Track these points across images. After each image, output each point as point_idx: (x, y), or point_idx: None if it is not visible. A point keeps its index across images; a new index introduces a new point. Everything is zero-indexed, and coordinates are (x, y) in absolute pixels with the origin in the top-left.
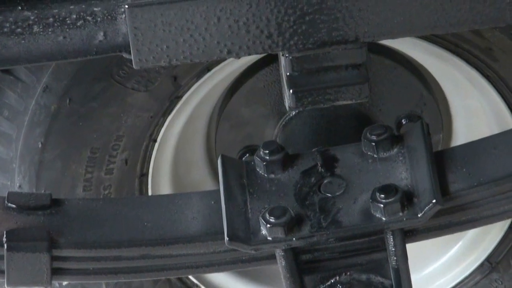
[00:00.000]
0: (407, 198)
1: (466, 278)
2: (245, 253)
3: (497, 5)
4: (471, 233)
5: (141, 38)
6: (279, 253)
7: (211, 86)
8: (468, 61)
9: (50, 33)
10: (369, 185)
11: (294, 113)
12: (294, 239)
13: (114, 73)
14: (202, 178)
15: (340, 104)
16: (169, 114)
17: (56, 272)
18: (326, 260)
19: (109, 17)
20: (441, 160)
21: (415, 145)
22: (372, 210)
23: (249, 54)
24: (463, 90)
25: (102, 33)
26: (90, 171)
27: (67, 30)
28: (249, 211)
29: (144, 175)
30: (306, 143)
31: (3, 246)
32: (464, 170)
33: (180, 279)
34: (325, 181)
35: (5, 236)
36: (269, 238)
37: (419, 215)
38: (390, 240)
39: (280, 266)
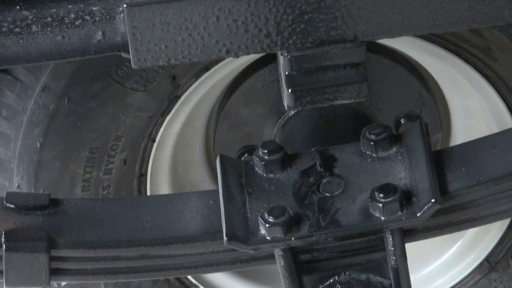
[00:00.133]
0: (406, 198)
1: (465, 278)
2: (244, 253)
3: (495, 4)
4: (470, 232)
5: (139, 37)
6: (278, 252)
7: (210, 86)
8: (467, 61)
9: (48, 32)
10: (368, 185)
11: (293, 112)
12: (293, 238)
13: (112, 73)
14: (201, 178)
15: (338, 104)
16: (168, 114)
17: (55, 273)
18: (325, 259)
19: (107, 16)
20: (440, 160)
21: (414, 144)
22: (371, 210)
23: (248, 54)
24: (462, 89)
25: (100, 33)
26: (89, 171)
27: (66, 29)
28: (248, 211)
29: (143, 175)
30: (305, 142)
31: (1, 246)
32: (463, 169)
33: (179, 279)
34: (324, 181)
35: (3, 236)
36: (268, 238)
37: (418, 215)
38: (389, 239)
39: (279, 266)
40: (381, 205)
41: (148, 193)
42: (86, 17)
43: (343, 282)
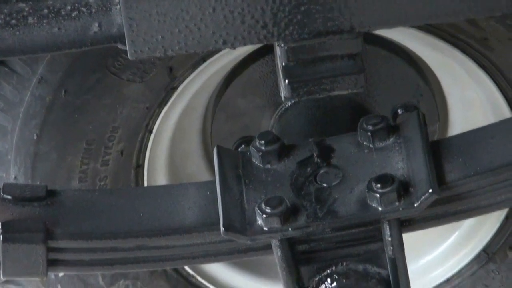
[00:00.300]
0: (404, 188)
1: (463, 268)
2: (241, 244)
3: None
4: (467, 223)
5: (136, 29)
6: (275, 243)
7: (207, 77)
8: (464, 51)
9: (44, 24)
10: (365, 175)
11: (290, 103)
12: (290, 229)
13: (109, 64)
14: (198, 169)
15: (336, 94)
16: (165, 105)
17: (52, 263)
18: (322, 250)
19: (103, 8)
20: (438, 150)
21: (411, 135)
22: (368, 200)
23: (245, 45)
24: (459, 80)
25: (97, 24)
26: (86, 162)
27: (62, 21)
28: (245, 201)
29: (140, 166)
30: (302, 133)
31: None
32: (461, 159)
33: (176, 270)
34: (321, 171)
35: (0, 227)
36: (265, 229)
37: (415, 205)
38: (387, 230)
39: (276, 257)
40: (378, 195)
41: (145, 184)
42: (82, 8)
43: (341, 272)
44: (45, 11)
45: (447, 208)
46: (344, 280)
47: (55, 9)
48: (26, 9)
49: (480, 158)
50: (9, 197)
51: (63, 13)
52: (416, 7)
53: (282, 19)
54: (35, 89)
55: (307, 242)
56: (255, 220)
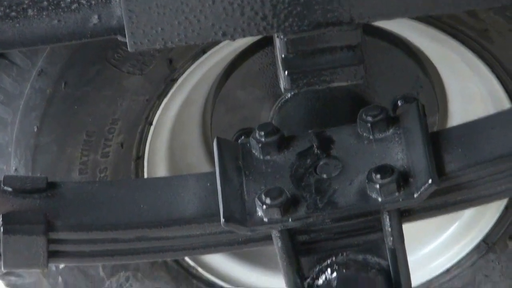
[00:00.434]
0: (403, 179)
1: (463, 258)
2: (241, 235)
3: None
4: (467, 213)
5: (135, 20)
6: (275, 234)
7: (207, 69)
8: (463, 43)
9: (44, 16)
10: (365, 166)
11: (289, 95)
12: (290, 220)
13: (109, 57)
14: (198, 161)
15: (335, 86)
16: (164, 97)
17: (53, 255)
18: (322, 241)
19: (103, 0)
20: (437, 141)
21: (411, 126)
22: (368, 191)
23: (244, 36)
24: (459, 71)
25: (96, 16)
26: (86, 154)
27: (62, 13)
28: (245, 192)
29: (140, 158)
30: (302, 125)
31: None
32: (460, 150)
33: (176, 261)
34: (321, 163)
35: (1, 219)
36: (265, 219)
37: (415, 195)
38: (387, 220)
39: (276, 247)
40: (378, 186)
41: (145, 176)
42: (82, 1)
43: (341, 263)
44: (45, 3)
45: (446, 199)
46: (344, 270)
47: (55, 1)
48: (26, 1)
49: (480, 148)
50: (9, 189)
51: (62, 5)
52: None
53: (281, 10)
54: (35, 81)
55: (307, 233)
56: (255, 211)
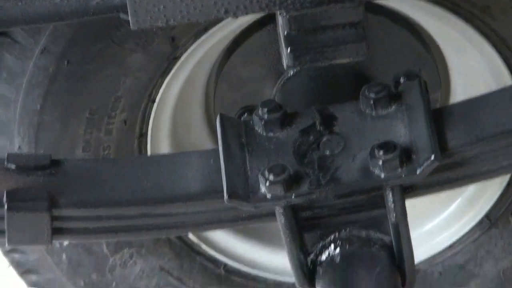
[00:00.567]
0: (406, 155)
1: (466, 234)
2: (244, 211)
3: None
4: (470, 189)
5: None
6: (278, 210)
7: (209, 47)
8: (466, 20)
9: None
10: (367, 143)
11: (292, 72)
12: (293, 196)
13: (111, 34)
14: (201, 138)
15: (338, 63)
16: (167, 74)
17: (56, 232)
18: (325, 217)
19: None
20: (440, 117)
21: (413, 102)
22: (371, 167)
23: (247, 14)
24: (461, 48)
25: None
26: (89, 132)
27: None
28: (248, 169)
29: (143, 136)
30: (305, 102)
31: (3, 206)
32: (462, 126)
33: (180, 238)
34: (324, 139)
35: (5, 196)
36: (268, 196)
37: (418, 171)
38: (389, 196)
39: (279, 224)
40: (381, 162)
41: (149, 153)
42: None
43: (344, 238)
44: None
45: (449, 175)
46: (347, 246)
47: None
48: None
49: (482, 124)
50: (13, 166)
51: None
52: None
53: None
54: (38, 59)
55: (311, 209)
56: (259, 188)
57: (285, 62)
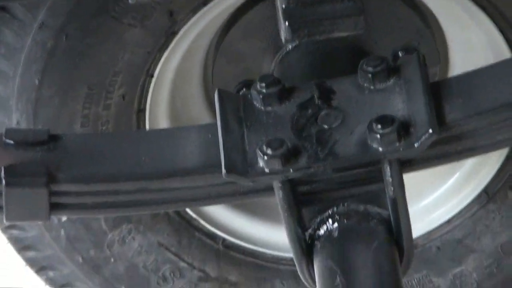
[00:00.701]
0: (404, 129)
1: (464, 209)
2: (242, 186)
3: None
4: (468, 164)
5: None
6: (276, 184)
7: (208, 21)
8: None
9: None
10: (365, 116)
11: (290, 46)
12: (291, 170)
13: (110, 9)
14: (199, 113)
15: (336, 37)
16: (165, 49)
17: (55, 207)
18: (323, 191)
19: None
20: (438, 91)
21: (412, 76)
22: (369, 141)
23: None
24: (459, 22)
25: None
26: (88, 107)
27: None
28: (246, 143)
29: (141, 111)
30: (303, 76)
31: (1, 181)
32: (461, 100)
33: (178, 213)
34: (322, 113)
35: (3, 171)
36: (267, 170)
37: (415, 145)
38: (387, 170)
39: (277, 198)
40: (379, 136)
41: (147, 128)
42: None
43: (342, 213)
44: None
45: (447, 148)
46: (345, 221)
47: None
48: None
49: (480, 98)
50: (11, 142)
51: None
52: None
53: None
54: (36, 34)
55: (309, 184)
56: (257, 162)
57: (283, 36)
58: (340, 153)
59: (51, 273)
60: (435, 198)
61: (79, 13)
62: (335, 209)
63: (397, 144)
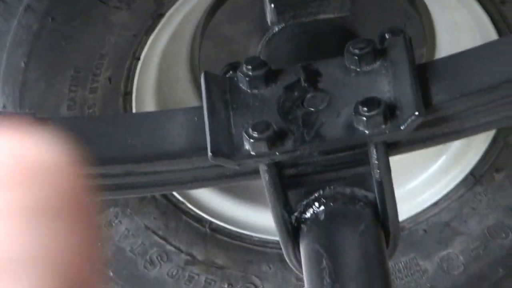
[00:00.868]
0: (390, 111)
1: (450, 192)
2: (228, 169)
3: None
4: (454, 146)
5: None
6: (262, 167)
7: (194, 3)
8: None
9: None
10: (352, 99)
11: (277, 29)
12: (277, 153)
13: None
14: (186, 96)
15: (322, 19)
16: (152, 32)
17: None
18: (309, 174)
19: None
20: (424, 73)
21: (398, 58)
22: (355, 123)
23: None
24: (446, 3)
25: None
26: (74, 90)
27: None
28: (232, 126)
29: (128, 94)
30: (290, 59)
31: None
32: (447, 82)
33: (165, 197)
34: (308, 96)
35: None
36: (253, 153)
37: (402, 127)
38: (373, 153)
39: (263, 181)
40: (365, 118)
41: (134, 111)
42: None
43: (328, 196)
44: None
45: (434, 131)
46: (331, 204)
47: None
48: None
49: (467, 80)
50: None
51: None
52: None
53: None
54: (22, 17)
55: (295, 166)
56: (243, 145)
57: (268, 18)
58: (326, 135)
59: None
60: (422, 180)
61: None
62: (321, 192)
63: (383, 126)
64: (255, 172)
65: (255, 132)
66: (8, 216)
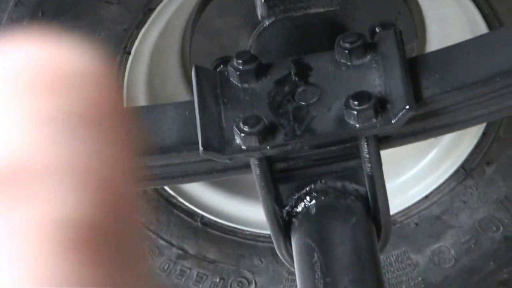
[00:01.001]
0: (381, 105)
1: (441, 185)
2: (220, 163)
3: None
4: (445, 140)
5: None
6: (253, 162)
7: None
8: None
9: None
10: (342, 93)
11: (267, 23)
12: (268, 147)
13: None
14: (177, 90)
15: (313, 13)
16: (142, 26)
17: None
18: (301, 168)
19: None
20: (415, 66)
21: (389, 51)
22: (346, 117)
23: None
24: None
25: None
26: None
27: None
28: (223, 121)
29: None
30: (280, 53)
31: None
32: (437, 75)
33: (157, 191)
34: (299, 90)
35: None
36: (243, 147)
37: (392, 121)
38: (364, 147)
39: (254, 175)
40: (355, 112)
41: (124, 106)
42: None
43: (319, 190)
44: None
45: (424, 124)
46: (322, 198)
47: None
48: None
49: (457, 73)
50: None
51: None
52: None
53: None
54: (12, 12)
55: (286, 161)
56: (233, 139)
57: (259, 12)
58: (317, 129)
59: None
60: (412, 174)
61: None
62: (312, 186)
63: (374, 120)
64: (246, 166)
65: (246, 127)
66: (44, 125)
